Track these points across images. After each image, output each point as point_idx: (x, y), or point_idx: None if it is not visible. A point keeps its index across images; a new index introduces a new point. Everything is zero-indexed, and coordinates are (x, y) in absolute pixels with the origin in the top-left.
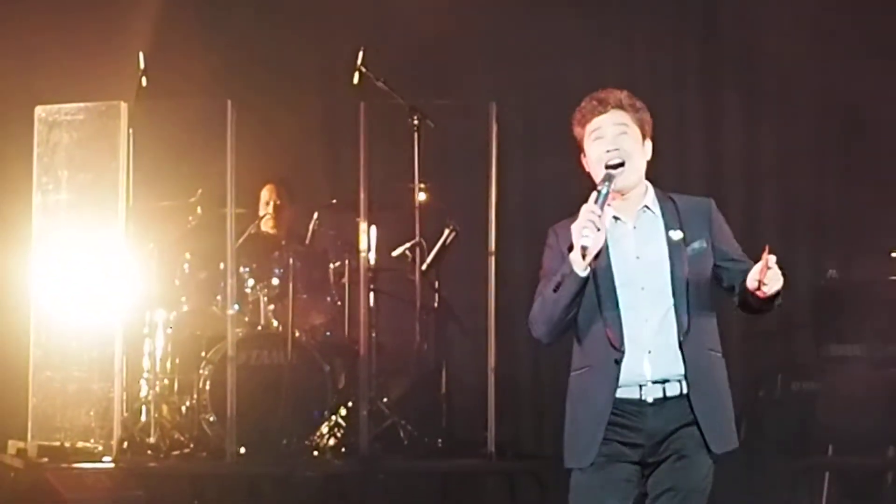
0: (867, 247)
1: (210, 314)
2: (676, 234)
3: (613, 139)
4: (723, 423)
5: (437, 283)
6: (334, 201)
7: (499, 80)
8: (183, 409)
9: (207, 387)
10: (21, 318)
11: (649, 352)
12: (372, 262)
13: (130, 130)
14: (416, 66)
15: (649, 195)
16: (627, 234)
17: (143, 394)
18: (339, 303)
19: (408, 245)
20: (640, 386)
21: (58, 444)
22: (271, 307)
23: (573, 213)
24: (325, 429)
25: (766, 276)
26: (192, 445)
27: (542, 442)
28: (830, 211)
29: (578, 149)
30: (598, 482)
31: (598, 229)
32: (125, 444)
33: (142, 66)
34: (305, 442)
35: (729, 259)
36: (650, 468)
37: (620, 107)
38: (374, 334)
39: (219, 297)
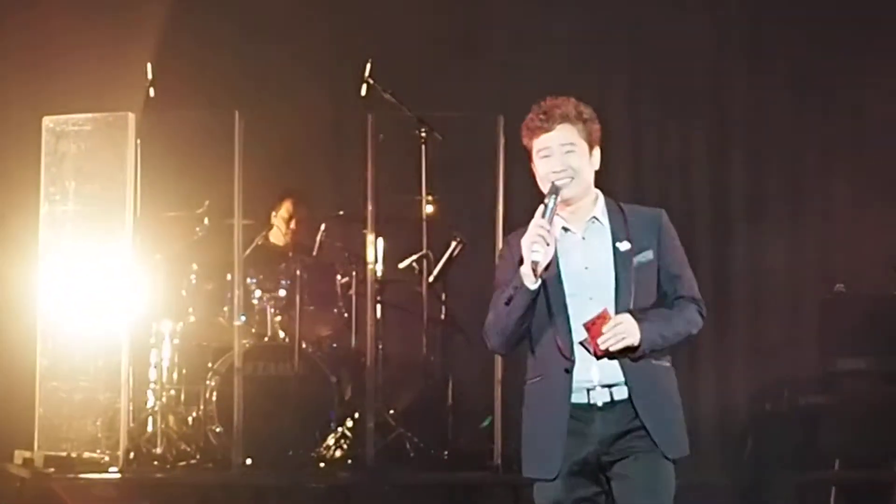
0: (874, 261)
1: (217, 325)
2: (624, 245)
3: (560, 159)
4: (671, 429)
5: (443, 295)
6: (341, 213)
7: (506, 93)
8: (189, 419)
9: (214, 397)
10: (28, 327)
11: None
12: (379, 273)
13: (138, 141)
14: (424, 78)
15: (598, 205)
16: (576, 245)
17: (149, 404)
18: (345, 314)
19: (415, 257)
20: (588, 390)
21: (64, 454)
22: (278, 318)
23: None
24: (331, 440)
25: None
26: (198, 456)
27: None
28: (838, 224)
29: (528, 157)
30: (562, 491)
31: (548, 244)
32: (131, 455)
33: (149, 76)
34: (311, 453)
35: (667, 276)
36: (607, 466)
37: (567, 120)
38: (380, 346)
39: (226, 308)
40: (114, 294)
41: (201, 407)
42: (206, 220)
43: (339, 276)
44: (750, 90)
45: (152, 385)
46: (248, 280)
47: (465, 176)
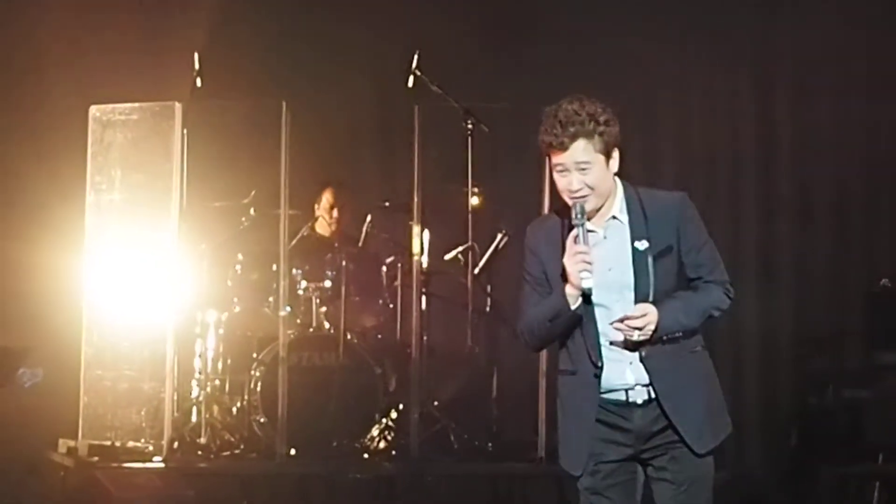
0: None
1: (262, 315)
2: (642, 244)
3: (576, 177)
4: (701, 425)
5: (488, 287)
6: (387, 204)
7: (553, 84)
8: (234, 409)
9: (258, 388)
10: (73, 316)
11: (631, 363)
12: (424, 264)
13: (184, 131)
14: (471, 69)
15: (618, 202)
16: (599, 244)
17: (193, 394)
18: (391, 305)
19: (460, 248)
20: (627, 390)
21: (108, 443)
22: (323, 309)
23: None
24: (375, 431)
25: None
26: (242, 446)
27: None
28: (883, 218)
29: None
30: (597, 492)
31: (591, 264)
32: (175, 445)
33: (196, 66)
34: (355, 444)
35: (691, 264)
36: (645, 462)
37: (582, 136)
38: (425, 337)
39: (271, 299)
40: (159, 283)
41: (245, 397)
42: (251, 211)
43: (384, 267)
44: (795, 86)
45: (197, 375)
46: (294, 270)
47: (511, 168)
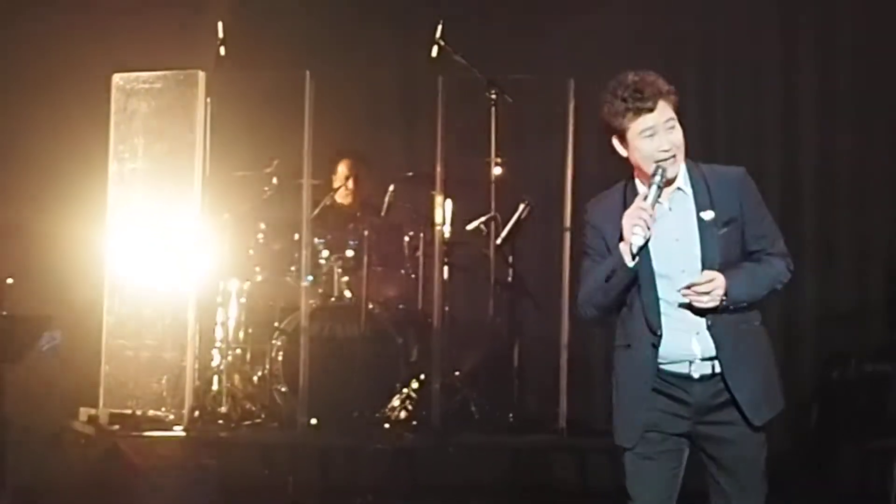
0: None
1: (284, 285)
2: (708, 215)
3: (665, 136)
4: (761, 397)
5: (511, 258)
6: (410, 174)
7: (577, 56)
8: (255, 379)
9: (280, 357)
10: (95, 285)
11: (697, 333)
12: (447, 235)
13: (208, 100)
14: (495, 40)
15: (682, 173)
16: (665, 216)
17: (215, 363)
18: (413, 276)
19: (483, 219)
20: (690, 363)
21: (129, 412)
22: (345, 279)
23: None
24: (396, 402)
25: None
26: (263, 416)
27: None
28: None
29: (609, 133)
30: (646, 458)
31: (648, 227)
32: (196, 414)
33: (220, 35)
34: (377, 414)
35: (753, 236)
36: (701, 439)
37: (661, 96)
38: (447, 308)
39: (293, 268)
40: (181, 252)
41: (267, 366)
42: (274, 180)
43: (406, 238)
44: (820, 61)
45: (218, 344)
46: (316, 240)
47: (534, 139)
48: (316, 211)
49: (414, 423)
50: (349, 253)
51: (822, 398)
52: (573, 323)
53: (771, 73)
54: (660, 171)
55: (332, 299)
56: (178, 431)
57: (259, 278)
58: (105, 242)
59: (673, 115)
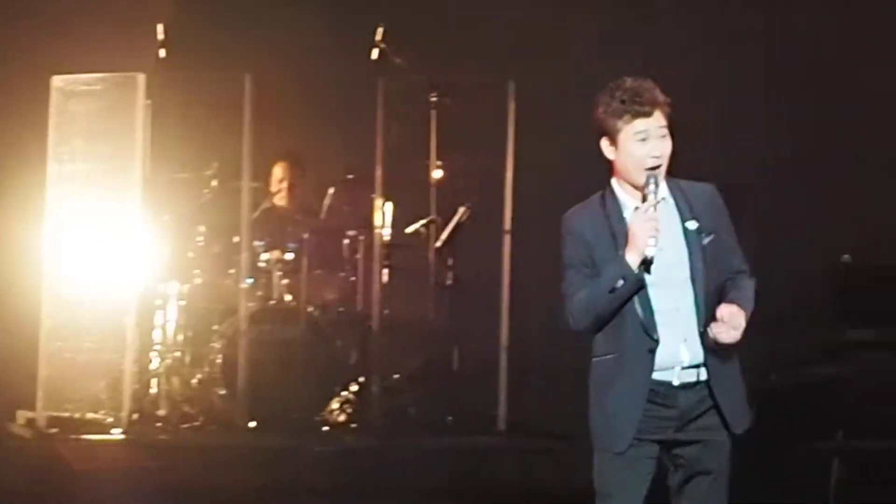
0: (882, 231)
1: (223, 287)
2: (692, 225)
3: (656, 143)
4: (740, 404)
5: (451, 261)
6: (350, 176)
7: (517, 59)
8: (194, 381)
9: (219, 360)
10: (33, 287)
11: (685, 339)
12: (386, 237)
13: (148, 102)
14: (435, 43)
15: (663, 184)
16: None
17: (154, 366)
18: (352, 278)
19: (423, 222)
20: (676, 370)
21: (67, 415)
22: (285, 281)
23: (586, 195)
24: (335, 404)
25: (716, 330)
26: (202, 418)
27: (554, 420)
28: (846, 195)
29: (600, 133)
30: (626, 462)
31: (659, 232)
32: (135, 417)
33: (160, 37)
34: (316, 417)
35: (725, 250)
36: (676, 447)
37: (658, 105)
38: (386, 310)
39: (232, 271)
40: (120, 255)
41: (206, 369)
42: (214, 182)
43: (346, 240)
44: (764, 63)
45: (157, 347)
46: (256, 243)
47: (475, 141)
48: (256, 214)
49: (353, 425)
50: (289, 256)
51: (763, 400)
52: (513, 324)
53: (713, 71)
54: (652, 179)
55: (272, 302)
56: (117, 434)
57: (198, 281)
58: (43, 244)
59: (666, 125)
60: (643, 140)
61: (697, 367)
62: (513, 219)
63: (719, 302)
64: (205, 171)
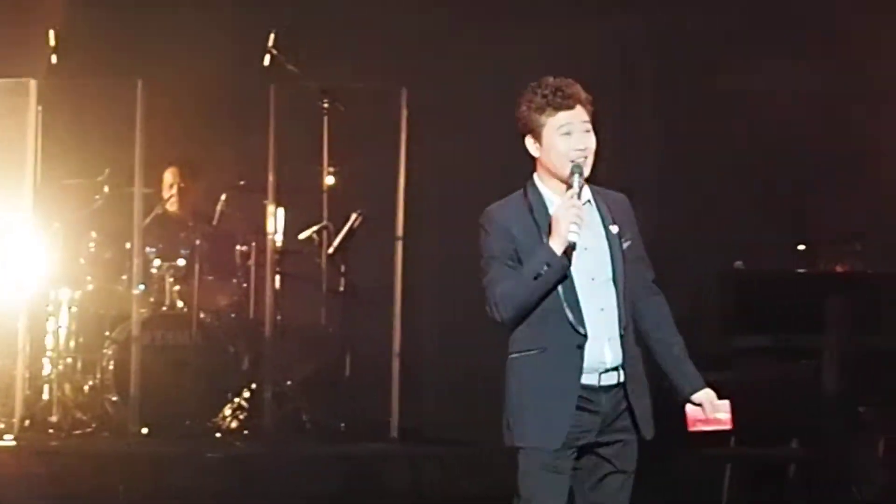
0: (774, 238)
1: (115, 294)
2: (614, 228)
3: (580, 137)
4: (649, 409)
5: (343, 267)
6: (242, 183)
7: (409, 66)
8: (86, 388)
9: (111, 366)
10: None
11: (609, 339)
12: (279, 244)
13: (39, 108)
14: (328, 49)
15: (586, 188)
16: None
17: (45, 372)
18: (244, 284)
19: (315, 228)
20: (600, 373)
21: None
22: (177, 288)
23: (478, 201)
24: (228, 410)
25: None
26: (94, 425)
27: (447, 426)
28: (738, 201)
29: (525, 131)
30: (553, 465)
31: (582, 220)
32: (27, 423)
33: (52, 43)
34: (208, 423)
35: (637, 258)
36: (596, 448)
37: (581, 102)
38: (279, 317)
39: (124, 277)
40: (12, 261)
41: (98, 376)
42: (105, 189)
43: (238, 247)
44: (654, 67)
45: (49, 353)
46: (148, 249)
47: (366, 148)
48: (147, 220)
49: (246, 431)
50: (181, 262)
51: (655, 406)
52: (405, 331)
53: (605, 85)
54: (577, 170)
55: (164, 308)
56: (9, 441)
57: (90, 287)
58: None
59: (589, 120)
60: (567, 134)
61: (616, 369)
62: (405, 225)
63: (641, 330)
64: (96, 177)
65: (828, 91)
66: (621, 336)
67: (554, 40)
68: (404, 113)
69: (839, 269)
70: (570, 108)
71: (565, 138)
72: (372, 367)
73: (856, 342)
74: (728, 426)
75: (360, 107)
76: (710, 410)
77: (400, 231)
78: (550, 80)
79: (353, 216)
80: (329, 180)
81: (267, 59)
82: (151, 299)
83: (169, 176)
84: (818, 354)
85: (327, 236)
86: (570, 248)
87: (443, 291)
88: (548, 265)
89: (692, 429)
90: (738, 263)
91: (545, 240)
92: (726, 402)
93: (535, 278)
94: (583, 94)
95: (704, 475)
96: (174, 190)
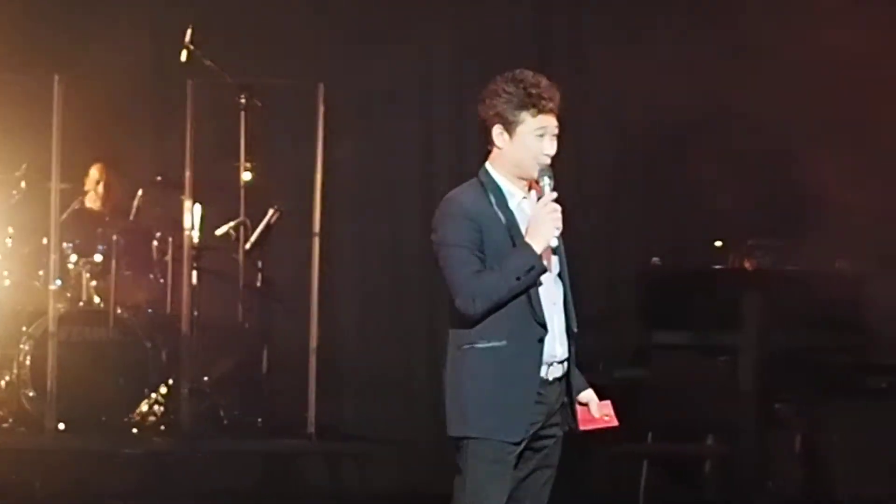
0: (690, 235)
1: (32, 289)
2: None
3: (551, 142)
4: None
5: (260, 263)
6: (159, 178)
7: (328, 61)
8: (2, 383)
9: (28, 362)
10: None
11: (560, 333)
12: (196, 240)
13: None
14: (245, 45)
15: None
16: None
17: None
18: (162, 280)
19: (232, 224)
20: (549, 365)
21: None
22: (94, 283)
23: (395, 198)
24: (145, 406)
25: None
26: (11, 420)
27: (364, 423)
28: (657, 199)
29: (496, 122)
30: (506, 455)
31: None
32: None
33: None
34: (125, 419)
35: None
36: (535, 440)
37: (556, 108)
38: (196, 312)
39: (41, 272)
40: None
41: (15, 371)
42: (22, 184)
43: (155, 242)
44: (570, 67)
45: None
46: (65, 244)
47: (284, 144)
48: (65, 215)
49: (163, 427)
50: (98, 257)
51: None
52: (322, 327)
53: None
54: (547, 174)
55: (81, 304)
56: None
57: (7, 282)
58: None
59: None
60: (541, 136)
61: (562, 362)
62: (322, 221)
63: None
64: (14, 173)
65: (743, 91)
66: (568, 330)
67: (467, 37)
68: (321, 109)
69: (756, 266)
70: (553, 113)
71: (539, 140)
72: (289, 363)
73: (772, 339)
74: (614, 424)
75: (277, 102)
76: (594, 410)
77: (317, 227)
78: (536, 76)
79: (271, 212)
80: (246, 176)
81: (184, 55)
82: (68, 294)
83: (95, 172)
84: (735, 351)
85: (244, 232)
86: (549, 250)
87: (360, 287)
88: (532, 268)
89: (583, 427)
90: (656, 260)
91: (514, 237)
92: (608, 403)
93: (518, 279)
94: (559, 101)
95: (622, 471)
96: (100, 187)
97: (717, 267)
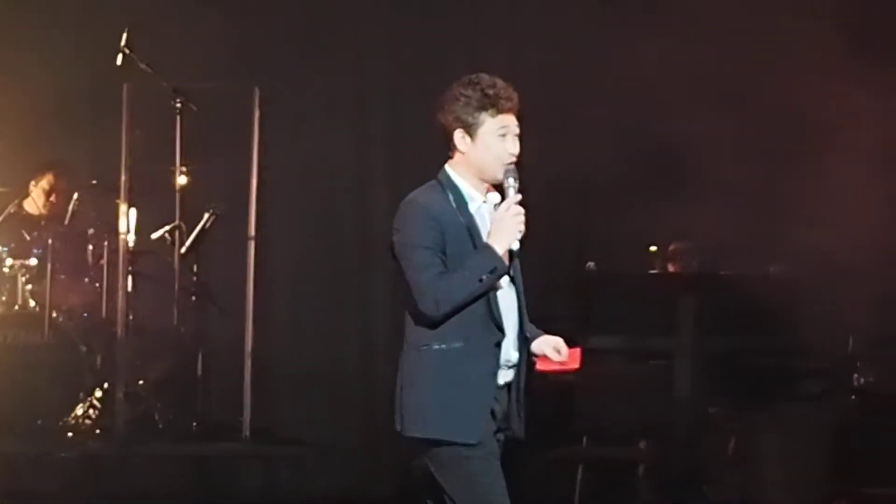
0: (626, 239)
1: None
2: None
3: (513, 142)
4: (524, 409)
5: (195, 267)
6: (95, 182)
7: (262, 66)
8: None
9: None
10: None
11: (514, 338)
12: (131, 244)
13: None
14: (181, 49)
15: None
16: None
17: None
18: (97, 284)
19: (167, 228)
20: (507, 369)
21: None
22: (29, 287)
23: (332, 202)
24: (80, 410)
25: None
26: None
27: (299, 426)
28: (592, 203)
29: (456, 126)
30: (494, 455)
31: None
32: None
33: None
34: (60, 422)
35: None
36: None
37: (516, 106)
38: (131, 316)
39: None
40: None
41: None
42: None
43: (91, 246)
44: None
45: None
46: (0, 248)
47: (219, 147)
48: (0, 218)
49: (98, 431)
50: (33, 261)
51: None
52: (258, 331)
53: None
54: (512, 175)
55: (16, 307)
56: None
57: None
58: None
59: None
60: (503, 136)
61: (512, 367)
62: (257, 224)
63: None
64: None
65: (678, 93)
66: (520, 336)
67: (400, 44)
68: (257, 113)
69: (690, 270)
70: (512, 111)
71: (501, 140)
72: (224, 367)
73: (707, 343)
74: (575, 365)
75: (212, 106)
76: (549, 352)
77: (252, 231)
78: (492, 78)
79: (206, 216)
80: (182, 180)
81: (119, 59)
82: (3, 298)
83: (48, 181)
84: (669, 355)
85: (180, 236)
86: (513, 253)
87: (295, 291)
88: (494, 269)
89: (539, 367)
90: (591, 264)
91: (475, 240)
92: (560, 339)
93: (480, 280)
94: (518, 101)
95: (557, 475)
96: (53, 197)
97: (652, 271)
